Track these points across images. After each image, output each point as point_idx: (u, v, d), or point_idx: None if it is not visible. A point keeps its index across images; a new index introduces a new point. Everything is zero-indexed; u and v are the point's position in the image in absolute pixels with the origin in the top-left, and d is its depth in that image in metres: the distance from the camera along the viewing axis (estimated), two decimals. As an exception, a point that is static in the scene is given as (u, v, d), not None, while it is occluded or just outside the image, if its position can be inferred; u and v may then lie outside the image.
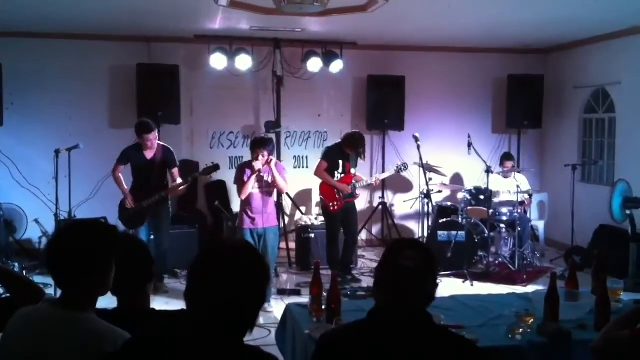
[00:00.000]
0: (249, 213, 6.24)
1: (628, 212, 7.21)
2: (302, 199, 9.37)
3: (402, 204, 9.75)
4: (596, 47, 8.83)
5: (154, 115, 8.06)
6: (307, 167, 9.48)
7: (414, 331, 2.22)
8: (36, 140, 8.35)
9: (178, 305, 2.49)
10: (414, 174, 8.70)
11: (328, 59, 8.87)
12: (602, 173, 9.06)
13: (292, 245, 8.51)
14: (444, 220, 8.00)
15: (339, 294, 3.58)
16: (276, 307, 6.10)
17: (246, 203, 6.26)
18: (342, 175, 7.46)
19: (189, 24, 8.07)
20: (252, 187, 6.19)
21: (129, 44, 8.80)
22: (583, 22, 7.81)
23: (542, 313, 3.54)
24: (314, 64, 8.81)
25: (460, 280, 7.43)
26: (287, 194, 8.40)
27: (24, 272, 7.15)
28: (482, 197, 8.19)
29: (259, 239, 6.23)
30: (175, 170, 7.00)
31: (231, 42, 8.70)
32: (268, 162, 6.19)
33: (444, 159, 8.87)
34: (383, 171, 9.34)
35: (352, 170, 7.55)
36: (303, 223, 8.46)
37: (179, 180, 6.95)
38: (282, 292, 6.87)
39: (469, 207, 8.20)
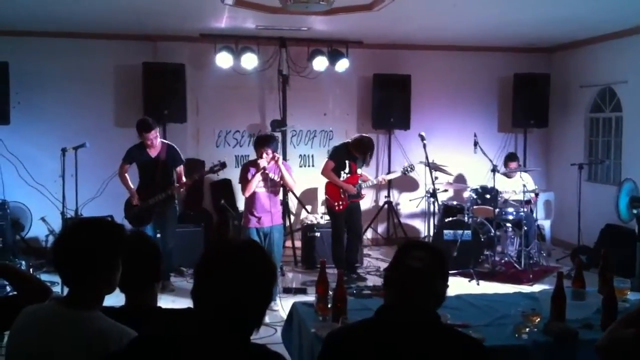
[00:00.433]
0: (255, 212, 6.24)
1: (635, 211, 7.18)
2: (307, 197, 9.38)
3: (408, 203, 9.74)
4: (602, 45, 8.80)
5: (160, 114, 8.09)
6: (312, 165, 9.49)
7: (421, 331, 2.22)
8: (42, 139, 8.38)
9: (184, 303, 2.49)
10: (420, 173, 8.69)
11: (334, 57, 8.87)
12: (608, 172, 9.03)
13: (298, 244, 8.52)
14: (450, 219, 7.98)
15: (344, 293, 3.58)
16: (282, 306, 6.09)
17: (252, 202, 6.26)
18: (349, 175, 7.46)
19: (194, 22, 8.08)
20: (256, 185, 6.19)
21: (134, 43, 8.81)
22: (589, 21, 7.78)
23: (548, 312, 3.53)
24: (320, 63, 8.81)
25: (466, 280, 7.41)
26: (293, 193, 8.41)
27: (31, 270, 7.17)
28: (488, 196, 8.17)
29: (264, 237, 6.24)
30: (181, 169, 7.00)
31: (237, 41, 8.71)
32: (275, 160, 6.19)
33: (450, 158, 8.85)
34: (389, 170, 9.34)
35: (359, 170, 7.55)
36: (309, 222, 8.46)
37: (184, 179, 6.96)
38: (288, 291, 6.87)
39: (475, 206, 8.19)
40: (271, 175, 6.24)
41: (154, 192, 6.82)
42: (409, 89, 9.38)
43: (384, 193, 9.68)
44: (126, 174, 7.00)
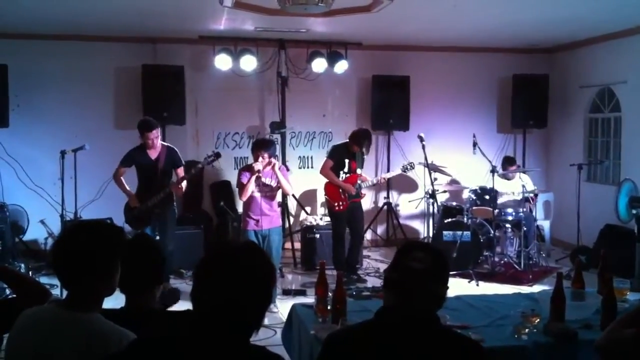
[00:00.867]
0: (252, 215, 6.28)
1: (634, 211, 7.18)
2: (307, 199, 9.38)
3: (407, 204, 9.75)
4: (602, 46, 8.80)
5: (159, 115, 8.07)
6: (312, 167, 9.49)
7: (420, 332, 2.22)
8: (42, 142, 8.38)
9: (184, 305, 2.49)
10: (419, 174, 8.69)
11: (333, 59, 8.87)
12: (607, 172, 9.04)
13: (297, 245, 8.52)
14: (449, 220, 7.98)
15: (344, 294, 3.58)
16: (282, 308, 6.10)
17: (248, 206, 6.31)
18: (348, 174, 7.46)
19: (193, 24, 8.08)
20: (252, 189, 6.22)
21: (134, 45, 8.82)
22: (588, 21, 7.79)
23: (547, 313, 3.53)
24: (319, 65, 8.82)
25: (465, 280, 7.41)
26: (293, 196, 8.43)
27: (30, 272, 7.17)
28: (487, 197, 8.18)
29: (263, 240, 6.27)
30: (181, 170, 6.99)
31: (236, 43, 8.72)
32: (272, 166, 6.21)
33: (449, 159, 8.85)
34: (388, 170, 9.34)
35: (358, 170, 7.55)
36: (308, 223, 8.46)
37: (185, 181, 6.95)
38: (287, 293, 6.87)
39: (474, 207, 8.19)
40: (266, 180, 6.27)
41: (153, 194, 6.81)
42: (408, 90, 9.38)
43: (384, 194, 9.68)
44: (122, 177, 6.96)
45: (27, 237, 8.31)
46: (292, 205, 9.16)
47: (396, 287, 2.28)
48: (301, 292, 6.91)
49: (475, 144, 7.77)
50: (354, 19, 7.01)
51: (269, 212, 6.32)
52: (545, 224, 9.13)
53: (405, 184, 9.67)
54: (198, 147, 9.15)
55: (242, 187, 6.25)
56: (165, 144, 7.08)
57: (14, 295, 2.66)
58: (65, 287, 2.24)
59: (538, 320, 3.43)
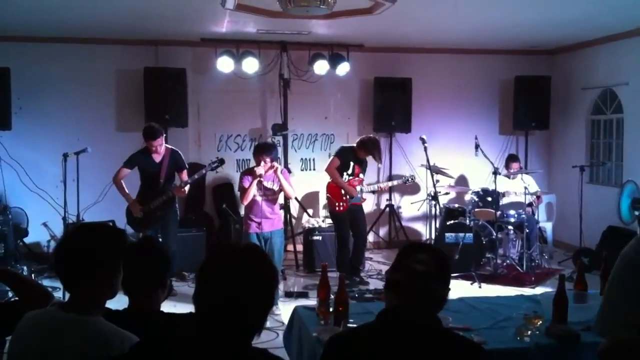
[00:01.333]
0: (254, 217, 6.29)
1: (636, 213, 7.18)
2: (309, 201, 9.38)
3: (410, 206, 9.74)
4: (603, 47, 8.80)
5: (161, 118, 8.09)
6: (314, 169, 9.49)
7: (422, 334, 2.21)
8: (44, 144, 8.39)
9: (186, 308, 2.50)
10: (421, 176, 8.69)
11: (334, 61, 8.88)
12: (610, 174, 9.03)
13: (300, 247, 8.51)
14: (452, 222, 7.98)
15: (346, 297, 3.58)
16: (283, 310, 6.09)
17: (250, 209, 6.32)
18: (350, 177, 7.45)
19: (195, 27, 8.09)
20: (253, 193, 6.24)
21: (136, 47, 8.83)
22: (590, 23, 7.79)
23: (550, 315, 3.53)
24: (321, 67, 8.82)
25: (468, 282, 7.40)
26: (296, 199, 8.43)
27: (32, 275, 7.18)
28: (489, 198, 8.17)
29: (265, 242, 6.29)
30: (184, 174, 7.00)
31: (238, 45, 8.72)
32: (274, 170, 6.23)
33: (451, 161, 8.85)
34: (390, 173, 9.34)
35: (361, 175, 7.53)
36: (310, 225, 8.46)
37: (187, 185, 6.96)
38: (289, 295, 6.87)
39: (476, 209, 8.19)
40: (268, 183, 6.29)
41: (155, 196, 6.82)
42: (410, 92, 9.38)
43: (386, 196, 9.68)
44: (122, 181, 6.94)
45: (30, 239, 8.33)
46: (294, 207, 9.16)
47: (397, 289, 2.27)
48: (303, 295, 6.91)
49: (477, 146, 7.77)
50: (356, 21, 7.01)
51: (270, 215, 6.35)
52: (547, 226, 9.12)
53: (408, 186, 9.63)
54: (200, 150, 9.16)
55: (243, 191, 6.27)
56: (169, 146, 7.09)
57: (17, 298, 2.66)
58: (67, 290, 2.24)
59: (540, 322, 3.42)
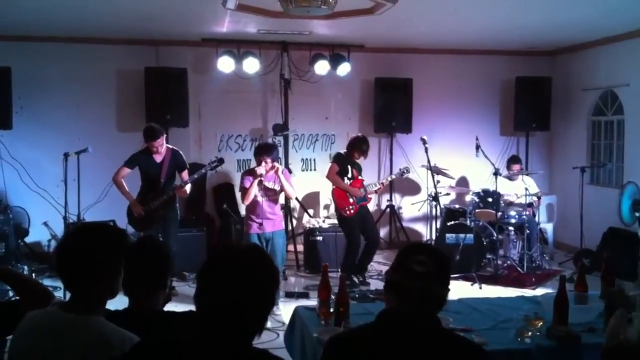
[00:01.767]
0: (255, 218, 6.30)
1: (637, 214, 7.18)
2: (310, 201, 9.38)
3: (410, 207, 9.74)
4: (604, 49, 8.80)
5: (162, 118, 8.09)
6: (314, 169, 9.50)
7: (422, 335, 2.21)
8: (45, 144, 8.39)
9: (186, 308, 2.49)
10: (421, 177, 8.69)
11: (335, 61, 8.88)
12: (610, 175, 9.02)
13: (300, 247, 8.51)
14: (452, 222, 7.98)
15: (347, 297, 3.58)
16: (284, 310, 6.09)
17: (252, 209, 6.33)
18: (351, 180, 7.43)
19: (196, 27, 8.09)
20: (254, 193, 6.24)
21: (136, 47, 8.83)
22: (591, 24, 7.79)
23: (551, 316, 3.53)
24: (322, 67, 8.82)
25: (468, 283, 7.40)
26: (297, 199, 8.43)
27: (33, 275, 7.18)
28: (490, 199, 8.17)
29: (266, 243, 6.29)
30: (185, 173, 7.00)
31: (239, 46, 8.73)
32: (275, 171, 6.23)
33: (452, 162, 8.85)
34: (391, 173, 9.34)
35: (359, 177, 7.52)
36: (311, 226, 8.46)
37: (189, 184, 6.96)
38: (290, 295, 6.87)
39: (477, 210, 8.19)
40: (269, 184, 6.29)
41: (156, 196, 6.82)
42: (410, 93, 9.38)
43: (387, 197, 9.68)
44: (122, 180, 6.94)
45: (30, 239, 8.34)
46: (295, 207, 9.15)
47: (397, 290, 2.27)
48: (304, 295, 6.90)
49: (478, 147, 7.77)
50: (357, 22, 7.01)
51: (271, 216, 6.37)
52: (548, 227, 9.12)
53: (408, 187, 9.66)
54: (201, 150, 9.16)
55: (244, 191, 6.30)
56: (170, 146, 7.09)
57: (17, 298, 2.66)
58: (67, 289, 2.24)
59: (541, 323, 3.43)
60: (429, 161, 7.63)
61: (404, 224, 9.66)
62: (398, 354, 2.17)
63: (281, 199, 6.63)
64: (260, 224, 6.28)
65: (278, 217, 6.47)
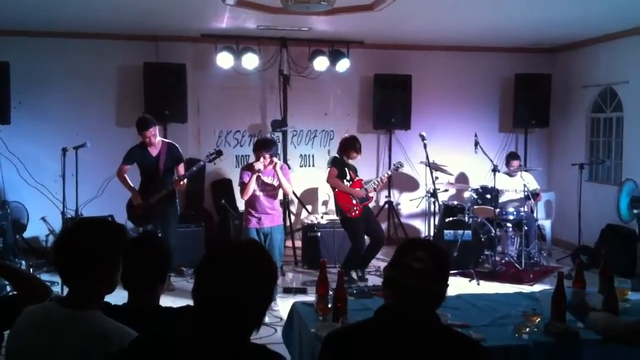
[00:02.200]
0: (254, 213, 6.30)
1: (635, 211, 7.19)
2: (308, 197, 9.38)
3: (409, 203, 9.74)
4: (604, 46, 8.79)
5: (161, 114, 8.09)
6: (313, 165, 9.50)
7: (420, 331, 2.21)
8: (43, 139, 8.38)
9: (184, 303, 2.50)
10: (420, 173, 8.68)
11: (334, 58, 8.87)
12: (609, 172, 9.03)
13: (298, 243, 8.52)
14: (450, 219, 7.98)
15: (345, 293, 3.58)
16: (282, 306, 6.10)
17: (250, 204, 6.33)
18: (351, 182, 7.41)
19: (196, 23, 8.08)
20: (253, 188, 6.24)
21: (136, 43, 8.82)
22: (591, 22, 7.78)
23: (548, 312, 3.52)
24: (321, 63, 8.81)
25: (466, 280, 7.41)
26: (293, 192, 8.40)
27: (31, 270, 7.17)
28: (488, 196, 8.17)
29: (264, 238, 6.29)
30: (182, 167, 6.98)
31: (238, 41, 8.71)
32: (273, 166, 6.23)
33: (451, 158, 8.85)
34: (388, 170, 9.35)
35: (357, 178, 7.50)
36: (309, 222, 8.46)
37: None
38: (288, 291, 6.88)
39: (475, 206, 8.19)
40: (267, 179, 6.29)
41: (155, 191, 6.81)
42: (409, 89, 9.37)
43: (385, 193, 9.68)
44: (125, 175, 6.96)
45: (28, 234, 8.33)
46: (293, 203, 9.15)
47: (395, 286, 2.27)
48: (302, 291, 6.91)
49: (476, 143, 7.77)
50: (356, 18, 7.01)
51: (270, 211, 6.35)
52: (546, 224, 9.13)
53: (407, 183, 9.66)
54: (200, 145, 9.15)
55: (243, 186, 6.30)
56: (166, 140, 7.08)
57: (15, 293, 2.66)
58: (66, 284, 2.24)
59: (539, 319, 3.43)
60: (427, 157, 7.63)
61: (402, 220, 9.67)
62: (396, 350, 2.17)
63: (280, 195, 6.62)
64: (259, 219, 6.29)
65: (277, 213, 6.46)
